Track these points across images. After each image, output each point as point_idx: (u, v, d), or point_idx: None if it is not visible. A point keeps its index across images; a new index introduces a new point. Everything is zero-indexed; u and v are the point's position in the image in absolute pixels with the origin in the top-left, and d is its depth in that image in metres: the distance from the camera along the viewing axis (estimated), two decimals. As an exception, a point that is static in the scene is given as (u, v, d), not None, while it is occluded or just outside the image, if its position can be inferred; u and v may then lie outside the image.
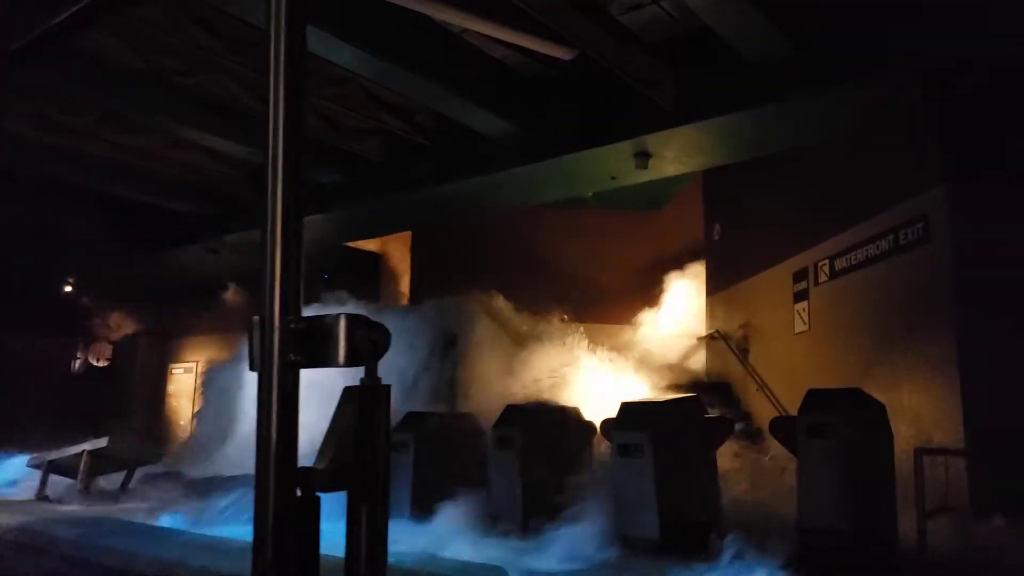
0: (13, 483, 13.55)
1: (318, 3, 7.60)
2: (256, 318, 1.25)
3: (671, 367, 13.74)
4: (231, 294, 18.80)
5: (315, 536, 1.24)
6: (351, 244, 15.91)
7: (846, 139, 9.68)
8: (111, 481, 13.26)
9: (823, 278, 10.37)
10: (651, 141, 10.03)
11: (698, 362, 14.15)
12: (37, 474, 12.72)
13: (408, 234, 15.91)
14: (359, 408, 1.33)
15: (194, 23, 9.15)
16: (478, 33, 8.90)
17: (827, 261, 10.26)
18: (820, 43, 8.38)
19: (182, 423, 20.18)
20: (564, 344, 12.89)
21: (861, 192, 9.59)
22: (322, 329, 1.27)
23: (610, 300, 15.11)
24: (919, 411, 8.07)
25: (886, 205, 8.98)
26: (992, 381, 7.51)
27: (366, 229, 14.86)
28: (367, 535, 1.28)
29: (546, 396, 10.79)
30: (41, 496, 12.42)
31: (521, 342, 12.67)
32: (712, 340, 13.56)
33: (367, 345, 1.29)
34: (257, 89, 10.25)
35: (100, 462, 13.33)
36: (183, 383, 21.05)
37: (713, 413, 8.69)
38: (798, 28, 8.34)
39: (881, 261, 9.09)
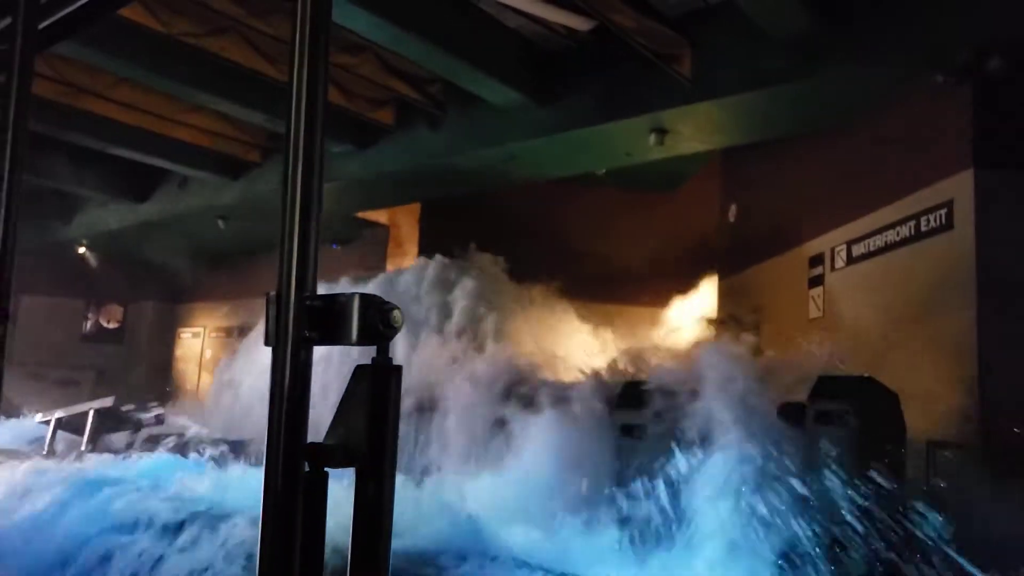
0: (35, 440, 13.80)
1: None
2: (272, 293, 1.27)
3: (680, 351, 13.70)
4: (239, 261, 18.89)
5: (322, 511, 1.27)
6: (360, 215, 15.89)
7: (868, 121, 9.56)
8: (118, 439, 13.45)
9: (840, 264, 10.26)
10: (668, 117, 9.92)
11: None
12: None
13: (417, 206, 15.87)
14: (370, 386, 1.34)
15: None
16: (494, 2, 8.81)
17: (844, 246, 10.15)
18: (845, 20, 8.24)
19: (188, 386, 20.35)
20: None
21: (882, 176, 9.46)
22: (336, 307, 1.29)
23: (622, 280, 15.04)
24: (934, 402, 7.99)
25: (908, 190, 8.85)
26: (1013, 375, 7.41)
27: (377, 199, 14.84)
28: (373, 511, 1.30)
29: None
30: (50, 452, 12.61)
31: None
32: (723, 324, 13.49)
33: (379, 325, 1.30)
34: (271, 55, 10.19)
35: (106, 421, 13.50)
36: (191, 347, 21.23)
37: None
38: (823, 4, 8.20)
39: (901, 247, 8.98)
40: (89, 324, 21.61)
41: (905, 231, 8.89)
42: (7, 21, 2.24)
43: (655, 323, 14.61)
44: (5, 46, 2.34)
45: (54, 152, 13.66)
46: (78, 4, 2.30)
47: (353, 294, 1.29)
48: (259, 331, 12.79)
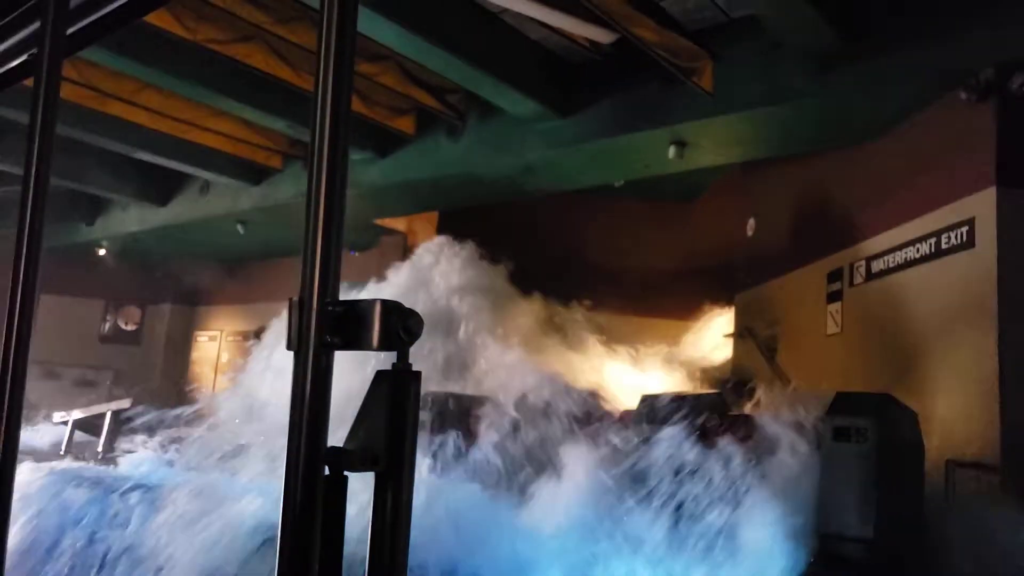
0: (55, 442, 13.91)
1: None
2: (294, 298, 1.29)
3: (695, 364, 13.66)
4: (257, 266, 19.02)
5: (341, 514, 1.28)
6: (378, 221, 15.96)
7: (889, 137, 9.52)
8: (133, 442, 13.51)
9: (859, 279, 10.21)
10: (688, 130, 9.91)
11: (724, 360, 14.04)
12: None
13: (434, 214, 15.92)
14: (390, 392, 1.36)
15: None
16: (517, 14, 8.85)
17: (864, 262, 10.10)
18: (867, 36, 8.21)
19: (204, 390, 20.46)
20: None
21: (903, 192, 9.42)
22: (358, 313, 1.31)
23: (639, 291, 15.01)
24: (953, 421, 7.92)
25: (930, 207, 8.80)
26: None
27: (396, 207, 14.91)
28: (391, 515, 1.32)
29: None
30: (67, 452, 12.71)
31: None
32: (740, 338, 13.44)
33: (400, 331, 1.32)
34: (294, 63, 10.27)
35: (122, 422, 13.60)
36: (208, 350, 21.35)
37: (737, 411, 8.63)
38: (847, 21, 8.17)
39: (921, 264, 8.92)
40: (107, 325, 21.78)
41: (926, 248, 8.83)
42: (36, 25, 2.28)
43: (672, 336, 14.55)
44: (34, 50, 2.37)
45: (78, 155, 13.81)
46: (107, 9, 2.33)
47: (375, 300, 1.31)
48: (268, 337, 12.72)
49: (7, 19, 2.52)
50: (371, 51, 9.86)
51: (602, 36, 8.67)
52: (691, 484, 7.10)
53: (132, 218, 17.33)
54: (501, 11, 9.10)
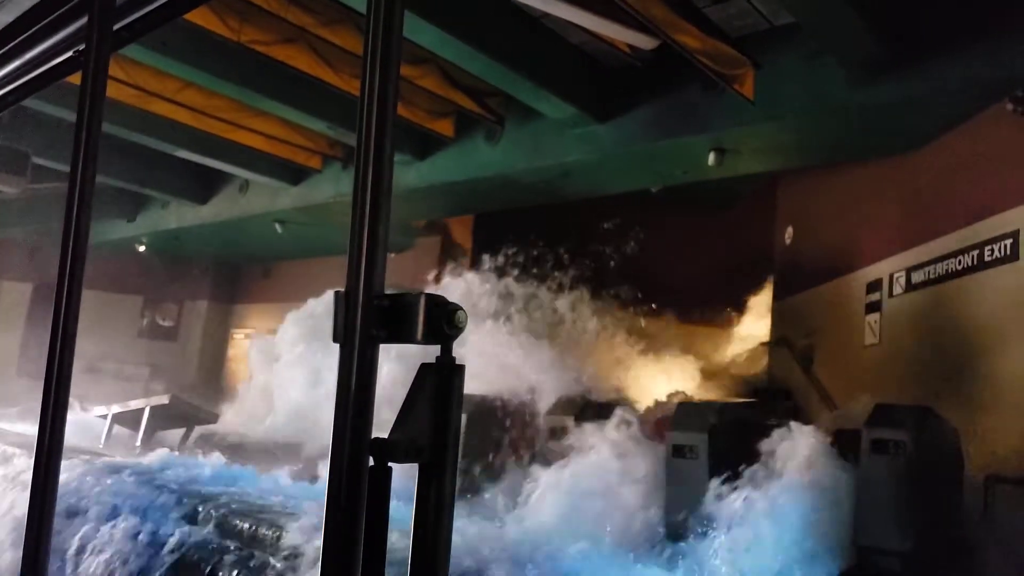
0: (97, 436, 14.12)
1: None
2: (340, 291, 1.32)
3: (730, 372, 13.57)
4: (294, 265, 19.19)
5: (385, 504, 1.31)
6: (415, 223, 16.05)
7: (932, 147, 9.38)
8: (171, 436, 13.70)
9: (899, 290, 10.07)
10: (728, 137, 9.85)
11: (760, 369, 13.92)
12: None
13: (471, 218, 15.97)
14: (434, 385, 1.38)
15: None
16: (559, 19, 8.85)
17: (904, 273, 9.96)
18: (911, 44, 8.10)
19: (239, 387, 20.68)
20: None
21: (945, 203, 9.28)
22: (403, 306, 1.34)
23: (676, 297, 14.92)
24: (994, 437, 7.77)
25: (972, 218, 8.66)
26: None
27: (433, 209, 14.98)
28: (435, 506, 1.34)
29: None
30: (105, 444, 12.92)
31: None
32: (776, 347, 13.32)
33: (444, 325, 1.35)
34: (336, 65, 10.36)
35: (160, 418, 13.78)
36: (244, 348, 21.59)
37: (773, 421, 8.54)
38: (891, 30, 8.07)
39: (963, 276, 8.77)
40: (145, 321, 22.11)
41: (967, 260, 8.68)
42: (83, 21, 2.32)
43: (709, 343, 14.47)
44: (81, 46, 2.40)
45: (121, 152, 14.03)
46: (152, 6, 2.36)
47: (419, 294, 1.34)
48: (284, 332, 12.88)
49: (54, 15, 2.57)
50: (412, 54, 9.91)
51: (644, 42, 8.64)
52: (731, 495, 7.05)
53: (172, 216, 17.59)
54: (542, 15, 9.11)
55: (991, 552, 6.42)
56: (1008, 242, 8.10)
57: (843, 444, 7.12)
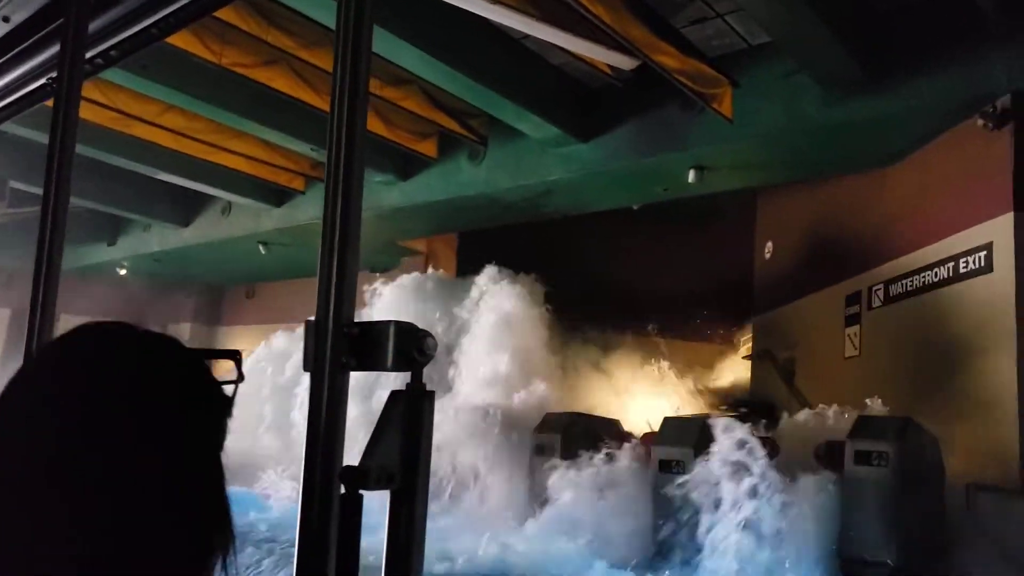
0: None
1: (387, 5, 7.67)
2: (311, 320, 1.31)
3: (713, 386, 13.62)
4: (277, 287, 19.11)
5: (356, 532, 1.29)
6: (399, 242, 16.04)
7: (907, 162, 9.51)
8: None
9: (877, 303, 10.17)
10: (707, 154, 9.95)
11: (743, 382, 13.99)
12: None
13: (454, 236, 15.99)
14: (404, 411, 1.37)
15: (264, 19, 9.30)
16: (539, 40, 8.93)
17: (882, 286, 10.07)
18: (885, 63, 8.24)
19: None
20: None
21: (921, 217, 9.40)
22: (373, 335, 1.32)
23: (658, 314, 14.97)
24: (974, 445, 7.84)
25: (947, 232, 8.78)
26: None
27: (417, 228, 15.00)
28: (406, 532, 1.33)
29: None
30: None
31: None
32: (758, 361, 13.39)
33: (414, 352, 1.33)
34: (317, 86, 10.39)
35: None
36: (226, 369, 21.38)
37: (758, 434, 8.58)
38: (865, 49, 8.20)
39: (939, 288, 8.88)
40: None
41: (944, 272, 8.80)
42: (55, 49, 2.32)
43: (691, 358, 14.51)
44: (54, 73, 2.41)
45: (101, 175, 13.93)
46: (125, 34, 2.37)
47: (389, 322, 1.32)
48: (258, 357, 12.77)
49: (28, 42, 2.57)
50: (395, 75, 9.96)
51: (624, 62, 8.73)
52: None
53: (154, 238, 17.50)
54: (523, 37, 9.19)
55: (974, 559, 6.46)
56: (982, 254, 8.22)
57: (824, 455, 7.17)
